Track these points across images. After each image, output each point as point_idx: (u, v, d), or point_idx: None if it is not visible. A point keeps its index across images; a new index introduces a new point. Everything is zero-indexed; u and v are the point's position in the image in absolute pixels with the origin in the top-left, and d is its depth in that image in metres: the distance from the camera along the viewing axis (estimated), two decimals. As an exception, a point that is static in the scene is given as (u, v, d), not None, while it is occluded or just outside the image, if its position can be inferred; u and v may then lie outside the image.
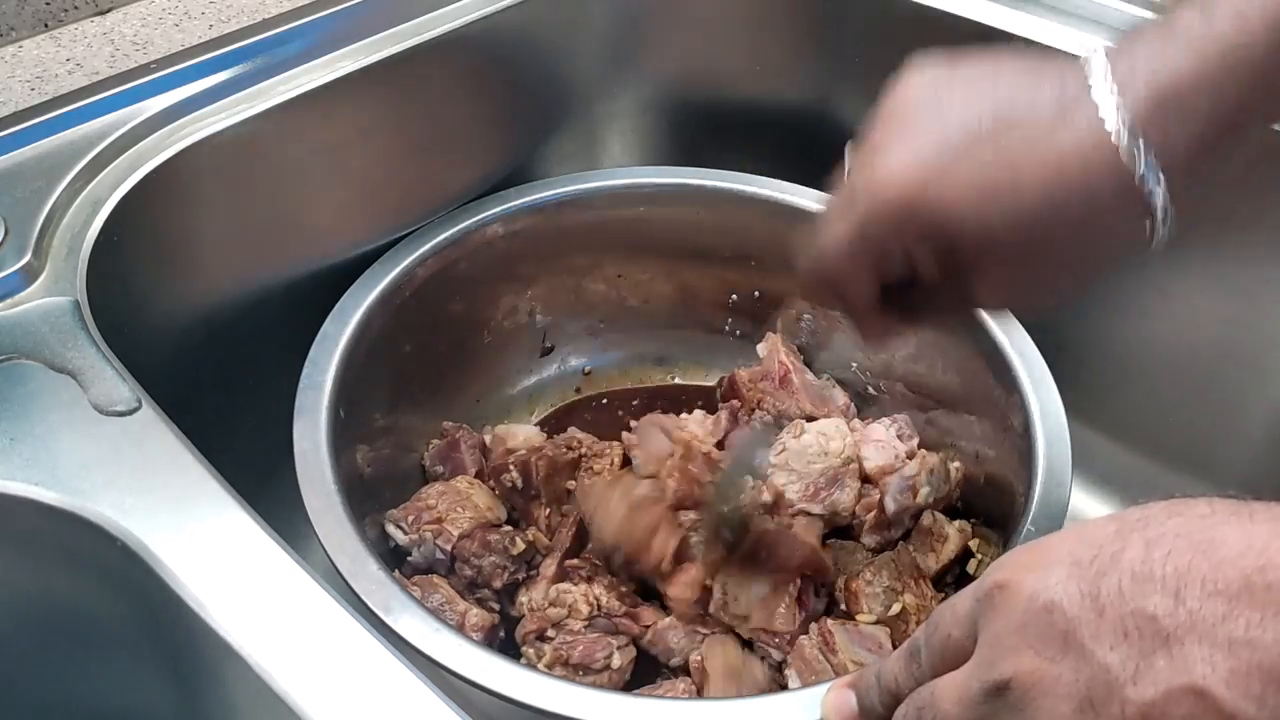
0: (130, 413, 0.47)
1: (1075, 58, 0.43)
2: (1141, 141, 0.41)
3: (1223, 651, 0.26)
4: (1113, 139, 0.41)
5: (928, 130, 0.44)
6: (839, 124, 0.77)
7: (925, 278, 0.47)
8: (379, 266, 0.68)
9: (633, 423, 0.70)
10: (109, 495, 0.44)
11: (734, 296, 0.79)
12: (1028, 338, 0.63)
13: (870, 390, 0.76)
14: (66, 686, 0.52)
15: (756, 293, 0.78)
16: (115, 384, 0.48)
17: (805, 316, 0.76)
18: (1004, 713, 0.30)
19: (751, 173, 0.75)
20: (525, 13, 0.71)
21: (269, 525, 0.43)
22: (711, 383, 0.79)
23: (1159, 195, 0.42)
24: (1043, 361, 0.62)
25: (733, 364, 0.78)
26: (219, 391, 0.65)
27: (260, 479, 0.52)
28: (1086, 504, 0.75)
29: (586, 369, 0.81)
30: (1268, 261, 0.65)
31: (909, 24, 0.71)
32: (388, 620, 0.49)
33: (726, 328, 0.80)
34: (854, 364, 0.76)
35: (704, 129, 0.82)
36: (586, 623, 0.61)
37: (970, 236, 0.44)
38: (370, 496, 0.64)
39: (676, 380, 0.81)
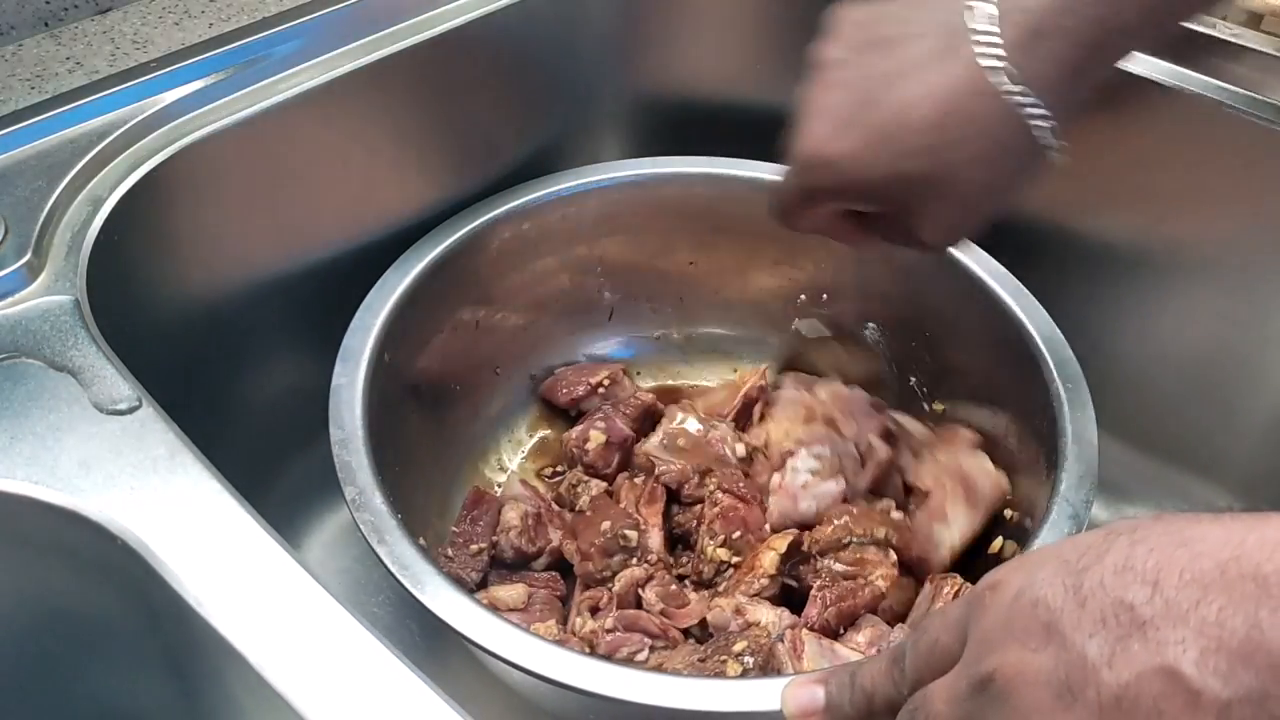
0: (130, 411, 0.47)
1: None
2: (1014, 68, 0.44)
3: (1194, 633, 0.27)
4: (987, 68, 0.45)
5: (837, 89, 0.49)
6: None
7: (875, 212, 0.53)
8: (446, 226, 0.70)
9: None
10: (109, 494, 0.44)
11: (802, 297, 0.78)
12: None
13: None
14: (66, 686, 0.52)
15: (825, 294, 0.77)
16: (115, 382, 0.48)
17: (869, 325, 0.76)
18: (989, 706, 0.30)
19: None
20: (524, 11, 0.71)
21: (269, 524, 0.43)
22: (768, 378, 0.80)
23: (1040, 117, 0.45)
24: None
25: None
26: (219, 391, 0.65)
27: (260, 478, 0.52)
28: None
29: (646, 350, 0.81)
30: (1268, 261, 0.65)
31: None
32: (382, 556, 0.51)
33: (793, 326, 0.80)
34: (912, 379, 0.75)
35: (703, 129, 0.82)
36: None
37: (881, 180, 0.48)
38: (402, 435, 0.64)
39: (736, 371, 0.81)
